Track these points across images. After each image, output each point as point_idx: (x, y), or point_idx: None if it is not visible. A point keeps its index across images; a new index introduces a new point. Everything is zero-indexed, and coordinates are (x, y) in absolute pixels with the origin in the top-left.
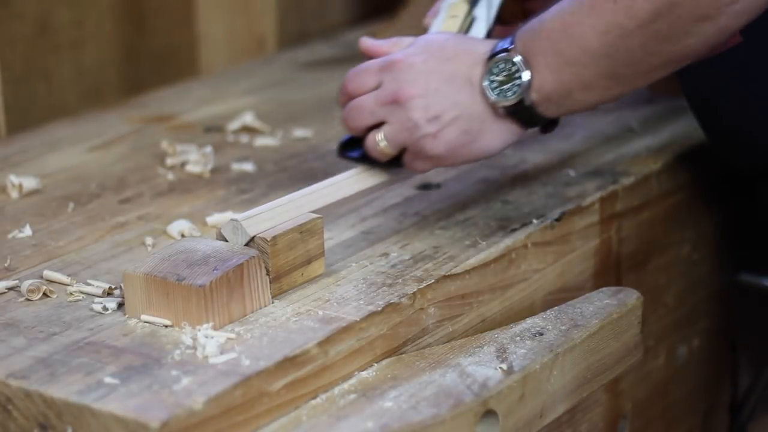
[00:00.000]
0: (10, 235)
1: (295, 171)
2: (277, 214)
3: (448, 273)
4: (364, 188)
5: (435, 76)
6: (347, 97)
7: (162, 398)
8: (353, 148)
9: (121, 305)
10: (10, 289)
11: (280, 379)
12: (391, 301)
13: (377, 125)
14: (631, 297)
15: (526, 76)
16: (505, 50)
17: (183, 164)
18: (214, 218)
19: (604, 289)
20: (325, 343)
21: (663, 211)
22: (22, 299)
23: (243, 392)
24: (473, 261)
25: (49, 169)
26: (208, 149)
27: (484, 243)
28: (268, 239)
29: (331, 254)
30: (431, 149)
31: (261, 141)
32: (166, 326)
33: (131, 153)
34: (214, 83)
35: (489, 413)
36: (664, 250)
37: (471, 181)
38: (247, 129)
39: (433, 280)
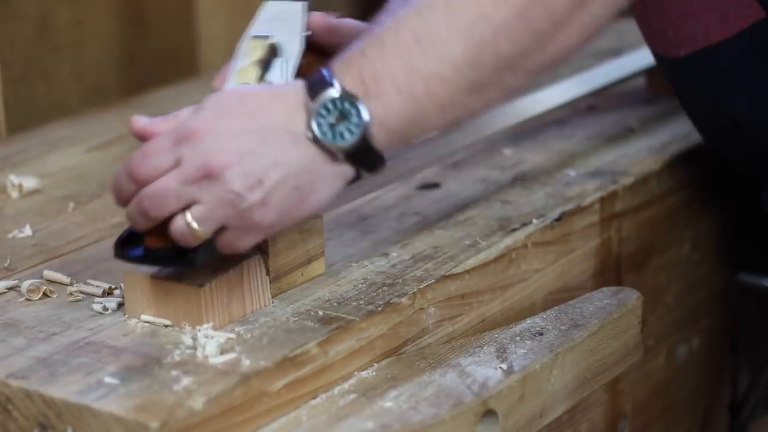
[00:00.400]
0: (10, 235)
1: None
2: None
3: (448, 273)
4: (366, 187)
5: (245, 137)
6: (138, 185)
7: (162, 398)
8: (134, 246)
9: (121, 305)
10: (10, 289)
11: (280, 379)
12: (391, 301)
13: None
14: (631, 297)
15: (364, 109)
16: (328, 86)
17: None
18: None
19: (604, 289)
20: (325, 343)
21: (663, 211)
22: (22, 299)
23: (243, 392)
24: (473, 261)
25: (49, 169)
26: None
27: (484, 243)
28: (268, 239)
29: (331, 254)
30: (261, 219)
31: None
32: (166, 326)
33: (131, 153)
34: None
35: (489, 413)
36: (664, 250)
37: (471, 181)
38: None
39: (433, 280)
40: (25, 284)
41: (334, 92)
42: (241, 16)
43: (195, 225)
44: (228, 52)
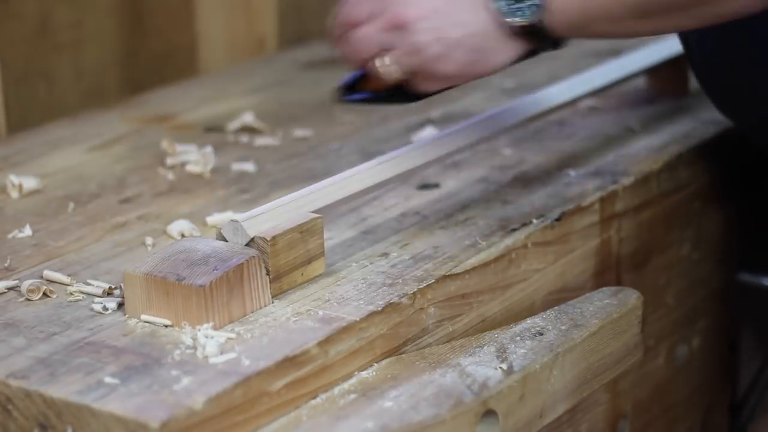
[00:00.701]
0: (10, 235)
1: (295, 171)
2: (278, 214)
3: (448, 273)
4: (365, 187)
5: None
6: (347, 27)
7: (162, 398)
8: (353, 93)
9: (121, 305)
10: (10, 289)
11: (280, 379)
12: (391, 301)
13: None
14: (631, 297)
15: None
16: None
17: (183, 164)
18: (214, 218)
19: (604, 289)
20: (325, 343)
21: (663, 211)
22: (22, 299)
23: (243, 392)
24: (473, 261)
25: (49, 169)
26: (208, 149)
27: (484, 243)
28: (268, 239)
29: (331, 254)
30: (441, 69)
31: (261, 141)
32: (166, 326)
33: (131, 153)
34: (214, 83)
35: (489, 413)
36: (664, 250)
37: (471, 181)
38: (247, 129)
39: (433, 280)
40: (25, 284)
41: None
42: (241, 16)
43: (387, 68)
44: (228, 52)
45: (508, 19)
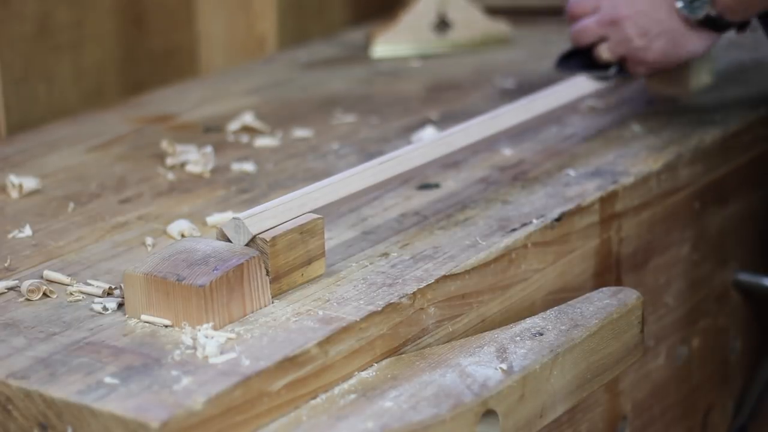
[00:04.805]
0: (10, 235)
1: (295, 171)
2: (280, 212)
3: (448, 273)
4: (365, 187)
5: (641, 1)
6: (573, 18)
7: (162, 398)
8: (569, 63)
9: (121, 305)
10: (10, 289)
11: (280, 379)
12: (391, 301)
13: (599, 41)
14: (631, 297)
15: None
16: None
17: (183, 164)
18: (214, 218)
19: (604, 289)
20: (325, 343)
21: (663, 211)
22: (22, 299)
23: (243, 392)
24: (473, 261)
25: (49, 169)
26: (208, 149)
27: (484, 243)
28: (268, 240)
29: (331, 254)
30: (645, 57)
31: (261, 141)
32: (166, 326)
33: (131, 153)
34: (214, 83)
35: (489, 413)
36: (664, 250)
37: (471, 181)
38: (247, 129)
39: (433, 280)
40: (25, 284)
41: None
42: (241, 16)
43: (603, 54)
44: (228, 52)
45: (686, 15)
